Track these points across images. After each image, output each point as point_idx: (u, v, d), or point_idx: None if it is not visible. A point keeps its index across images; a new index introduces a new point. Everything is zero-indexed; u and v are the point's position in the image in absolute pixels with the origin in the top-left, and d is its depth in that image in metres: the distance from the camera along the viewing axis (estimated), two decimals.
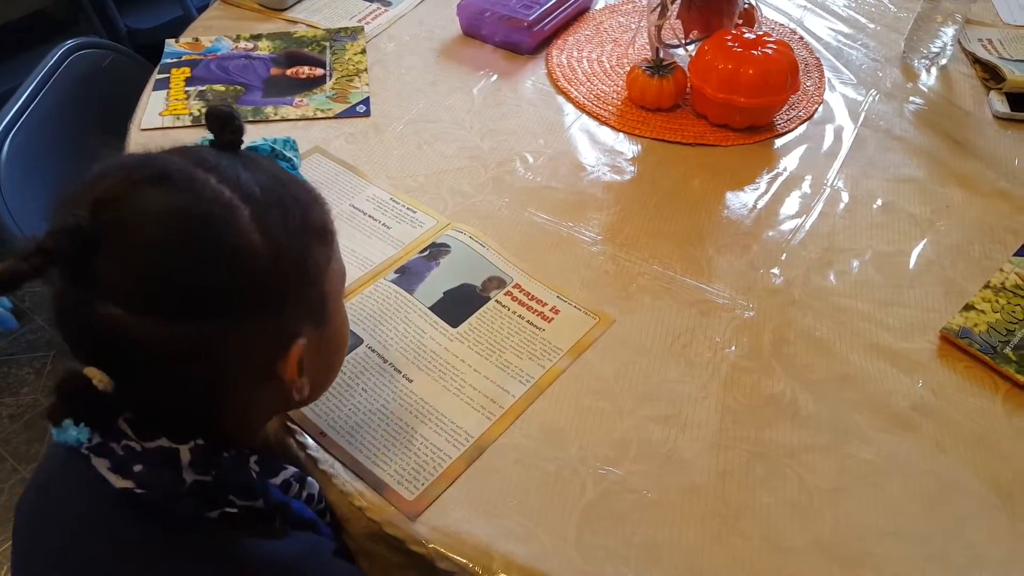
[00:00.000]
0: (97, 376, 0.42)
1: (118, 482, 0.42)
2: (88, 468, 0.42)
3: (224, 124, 0.45)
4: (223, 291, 0.40)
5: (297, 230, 0.44)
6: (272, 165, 0.47)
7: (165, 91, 0.94)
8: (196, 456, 0.43)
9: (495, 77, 0.98)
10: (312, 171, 0.83)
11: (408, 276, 0.70)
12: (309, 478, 0.52)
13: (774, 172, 0.84)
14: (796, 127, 0.90)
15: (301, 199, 0.46)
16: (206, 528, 0.44)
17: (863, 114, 0.92)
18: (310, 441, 0.58)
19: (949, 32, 0.97)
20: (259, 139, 0.50)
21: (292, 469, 0.50)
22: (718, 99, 0.86)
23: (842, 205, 0.80)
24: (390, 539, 0.54)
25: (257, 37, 1.03)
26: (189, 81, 0.95)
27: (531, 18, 0.99)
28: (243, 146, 0.48)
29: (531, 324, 0.67)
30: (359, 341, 0.65)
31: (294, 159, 0.51)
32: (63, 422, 0.41)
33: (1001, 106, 0.91)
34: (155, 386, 0.42)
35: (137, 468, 0.42)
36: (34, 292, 0.43)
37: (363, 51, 1.01)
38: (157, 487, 0.42)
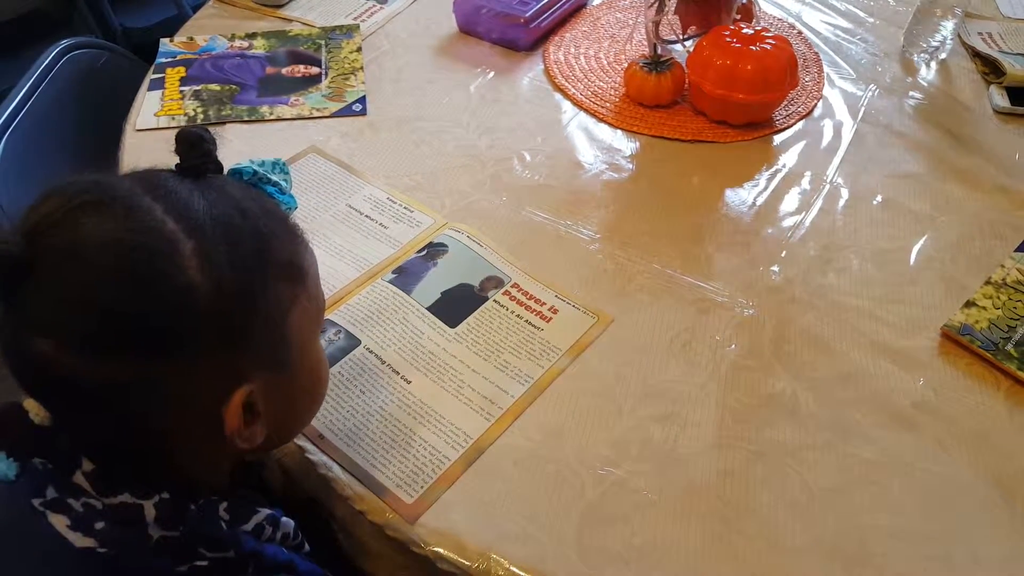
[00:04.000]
0: (34, 409, 0.40)
1: (79, 541, 0.40)
2: (44, 524, 0.40)
3: (191, 146, 0.43)
4: (155, 329, 0.38)
5: (251, 267, 0.41)
6: (244, 194, 0.44)
7: (160, 91, 0.93)
8: (162, 511, 0.41)
9: (492, 74, 0.97)
10: (308, 171, 0.82)
11: (406, 276, 0.70)
12: (283, 518, 0.50)
13: (773, 169, 0.84)
14: (795, 123, 0.90)
15: (263, 233, 0.42)
16: None
17: (862, 109, 0.92)
18: (308, 444, 0.58)
19: (949, 26, 0.97)
20: (245, 161, 0.49)
21: (265, 511, 0.48)
22: (716, 95, 0.85)
23: (842, 201, 0.80)
24: (392, 540, 0.54)
25: (252, 36, 1.03)
26: (184, 81, 0.95)
27: (527, 14, 0.99)
28: (227, 168, 0.45)
29: (530, 324, 0.66)
30: (356, 342, 0.65)
31: (282, 183, 0.49)
32: None
33: (1001, 100, 0.91)
34: (92, 424, 0.41)
35: (99, 526, 0.40)
36: None
37: (359, 49, 1.01)
38: (121, 545, 0.40)
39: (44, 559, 0.41)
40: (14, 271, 0.36)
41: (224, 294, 0.39)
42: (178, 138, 0.43)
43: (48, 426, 0.43)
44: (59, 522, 0.40)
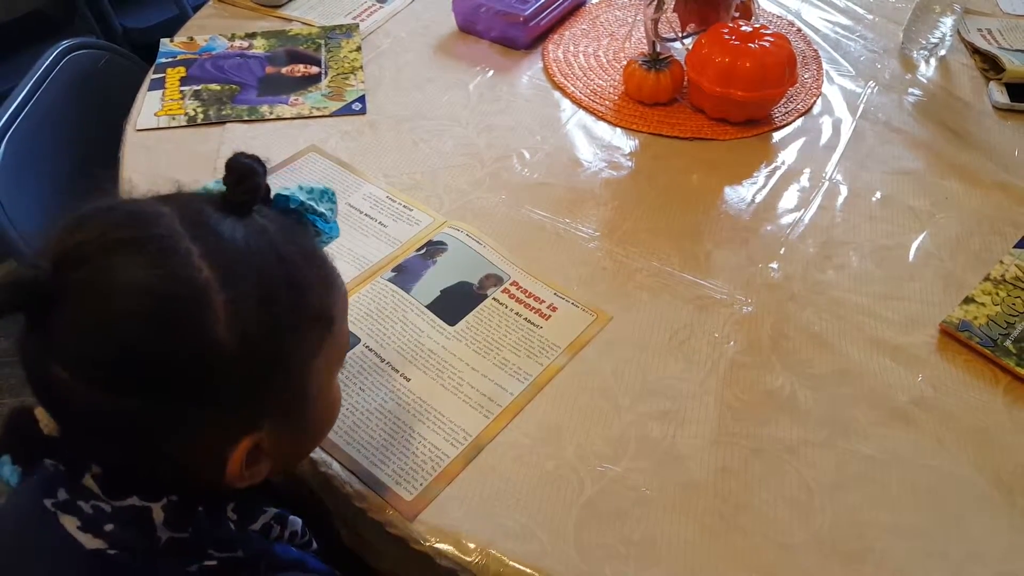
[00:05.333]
0: (44, 419, 0.41)
1: (89, 542, 0.40)
2: (56, 525, 0.40)
3: (240, 180, 0.41)
4: (173, 377, 0.37)
5: (281, 324, 0.40)
6: (285, 236, 0.43)
7: (160, 91, 0.93)
8: (170, 514, 0.41)
9: (491, 73, 0.98)
10: (308, 170, 0.83)
11: (405, 274, 0.70)
12: (291, 516, 0.49)
13: (772, 166, 0.84)
14: (794, 120, 0.90)
15: (299, 284, 0.42)
16: None
17: (862, 106, 0.92)
18: None
19: (948, 22, 0.97)
20: (293, 187, 0.47)
21: (272, 510, 0.48)
22: (715, 93, 0.86)
23: (841, 198, 0.80)
24: (393, 536, 0.54)
25: (252, 36, 1.03)
26: (184, 80, 0.95)
27: (527, 13, 0.99)
28: (273, 192, 0.45)
29: (529, 322, 0.67)
30: (356, 340, 0.65)
31: (327, 212, 0.48)
32: (1, 457, 0.41)
33: (1001, 97, 0.91)
34: (100, 444, 0.41)
35: (108, 528, 0.40)
36: None
37: (358, 48, 1.01)
38: (130, 547, 0.41)
39: (56, 560, 0.41)
40: (41, 298, 0.36)
41: (249, 352, 0.39)
42: (228, 167, 0.42)
43: (56, 437, 0.43)
44: (70, 523, 0.40)
